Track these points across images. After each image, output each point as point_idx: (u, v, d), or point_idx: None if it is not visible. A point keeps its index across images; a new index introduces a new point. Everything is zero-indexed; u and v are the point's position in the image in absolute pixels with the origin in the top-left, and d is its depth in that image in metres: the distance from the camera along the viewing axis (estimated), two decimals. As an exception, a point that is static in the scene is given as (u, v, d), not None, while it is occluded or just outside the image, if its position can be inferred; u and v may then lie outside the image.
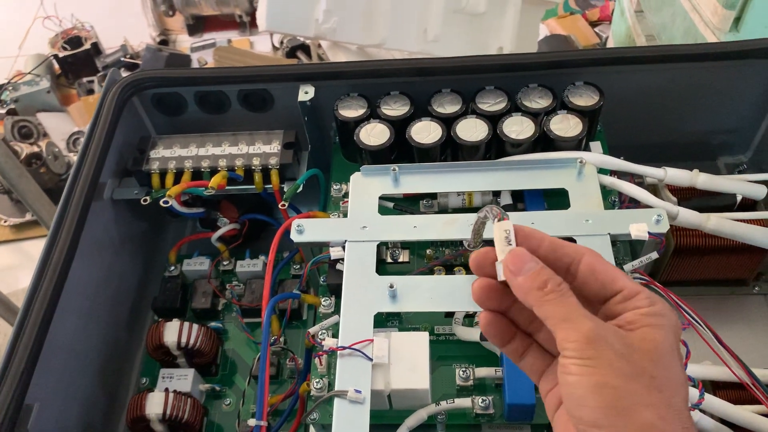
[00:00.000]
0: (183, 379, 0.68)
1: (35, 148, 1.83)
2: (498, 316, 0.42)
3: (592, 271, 0.39)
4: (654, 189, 0.71)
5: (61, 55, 2.19)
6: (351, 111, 0.72)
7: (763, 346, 0.72)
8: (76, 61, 2.20)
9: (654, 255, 0.61)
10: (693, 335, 0.56)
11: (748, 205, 0.72)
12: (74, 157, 1.87)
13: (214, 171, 0.73)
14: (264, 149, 0.74)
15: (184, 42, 2.38)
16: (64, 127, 2.02)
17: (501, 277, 0.40)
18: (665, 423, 0.34)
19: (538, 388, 0.42)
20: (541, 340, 0.42)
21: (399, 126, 0.70)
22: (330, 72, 0.74)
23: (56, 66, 2.25)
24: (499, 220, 0.41)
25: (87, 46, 2.20)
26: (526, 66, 0.72)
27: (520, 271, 0.38)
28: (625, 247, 0.67)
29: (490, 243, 0.41)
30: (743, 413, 0.57)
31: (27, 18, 2.54)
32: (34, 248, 1.86)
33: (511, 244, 0.40)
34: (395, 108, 0.72)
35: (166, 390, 0.66)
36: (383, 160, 0.70)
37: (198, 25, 2.40)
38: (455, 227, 0.62)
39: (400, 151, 0.71)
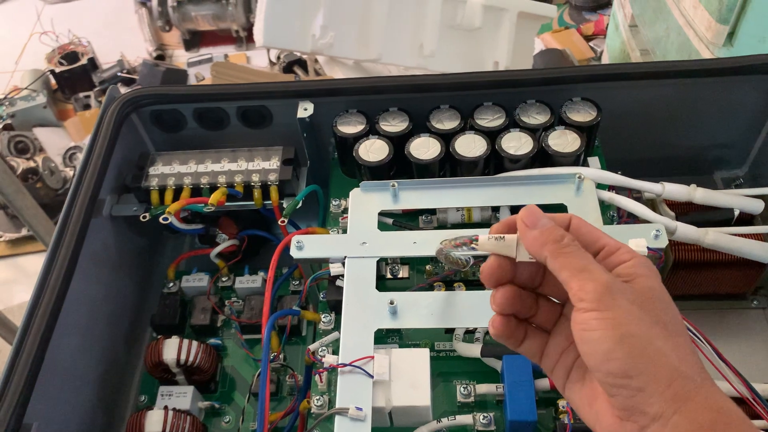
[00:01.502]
0: (182, 396, 0.68)
1: (31, 163, 1.82)
2: (510, 318, 0.42)
3: (579, 233, 0.40)
4: (652, 204, 0.71)
5: (57, 70, 2.19)
6: (350, 127, 0.73)
7: (763, 361, 0.72)
8: (72, 76, 2.20)
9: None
10: (693, 350, 0.56)
11: (746, 219, 0.72)
12: (70, 172, 1.87)
13: (213, 187, 0.73)
14: (263, 165, 0.74)
15: (180, 57, 2.38)
16: (60, 142, 2.02)
17: (521, 257, 0.40)
18: (688, 366, 0.34)
19: (542, 366, 0.43)
20: (537, 321, 0.43)
21: (398, 142, 0.71)
22: (329, 89, 0.75)
23: (53, 81, 2.25)
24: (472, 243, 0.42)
25: (83, 61, 2.20)
26: (524, 82, 0.72)
27: (535, 225, 0.39)
28: (623, 262, 0.67)
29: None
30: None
31: (24, 33, 2.55)
32: (30, 264, 1.86)
33: (502, 237, 0.41)
34: (394, 124, 0.72)
35: (166, 408, 0.65)
36: (382, 176, 0.70)
37: (195, 40, 2.41)
38: (455, 243, 0.62)
39: (399, 167, 0.71)
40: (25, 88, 2.15)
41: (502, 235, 0.41)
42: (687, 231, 0.66)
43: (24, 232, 1.82)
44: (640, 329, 0.34)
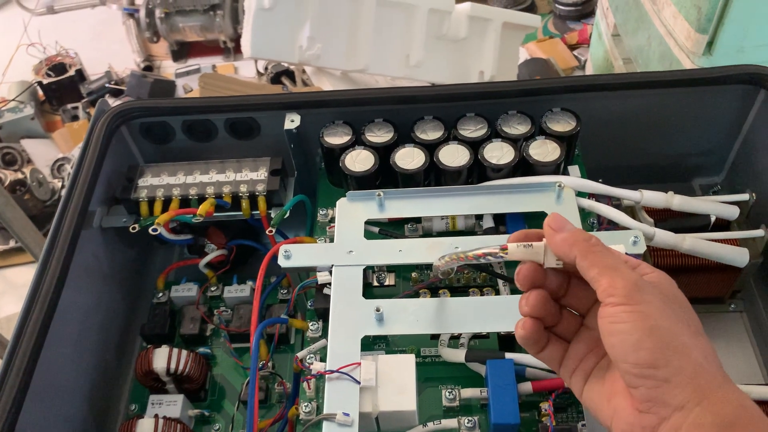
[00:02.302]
0: (172, 404, 0.68)
1: (19, 175, 1.82)
2: (538, 322, 0.44)
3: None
4: (631, 211, 0.73)
5: (45, 81, 2.19)
6: (336, 138, 0.74)
7: (741, 363, 0.74)
8: (60, 87, 2.20)
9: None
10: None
11: (722, 225, 0.74)
12: (59, 184, 1.87)
13: (202, 198, 0.74)
14: (251, 176, 0.75)
15: (168, 68, 2.39)
16: (48, 154, 2.01)
17: (549, 263, 0.43)
18: (710, 363, 0.36)
19: (560, 374, 0.44)
20: (558, 331, 0.45)
21: (383, 152, 0.72)
22: (315, 101, 0.76)
23: (40, 93, 2.25)
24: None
25: (71, 72, 2.20)
26: (505, 93, 0.74)
27: (562, 228, 0.41)
28: (604, 268, 0.69)
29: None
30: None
31: (11, 45, 2.54)
32: (17, 276, 1.85)
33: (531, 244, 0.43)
34: (379, 135, 0.74)
35: (156, 416, 0.66)
36: (368, 186, 0.71)
37: (182, 51, 2.41)
38: (439, 251, 0.63)
39: (385, 176, 0.73)
40: (13, 100, 2.15)
41: (530, 243, 0.43)
42: (665, 237, 0.67)
43: (12, 243, 1.82)
44: (668, 323, 0.36)
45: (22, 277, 1.85)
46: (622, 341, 0.36)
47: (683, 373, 0.35)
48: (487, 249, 0.45)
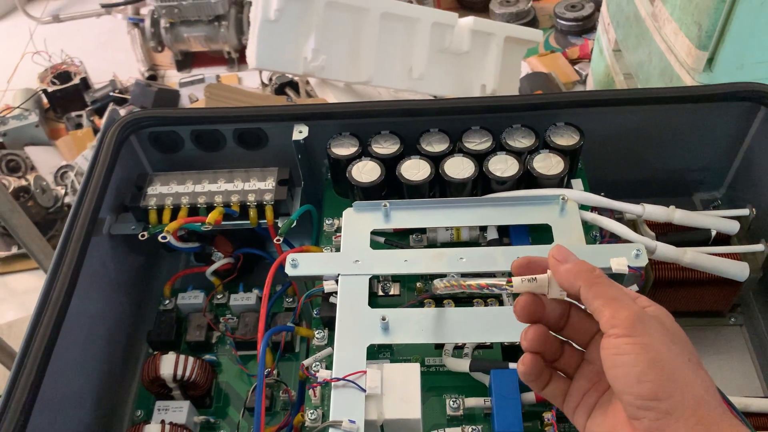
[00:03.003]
0: (178, 411, 0.69)
1: (23, 182, 1.83)
2: (538, 357, 0.45)
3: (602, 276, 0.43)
4: (633, 224, 0.74)
5: (50, 89, 2.20)
6: (343, 149, 0.75)
7: (740, 375, 0.75)
8: (64, 95, 2.21)
9: (634, 288, 0.64)
10: (672, 365, 0.58)
11: (723, 239, 0.75)
12: (62, 191, 1.88)
13: (210, 207, 0.75)
14: (259, 186, 0.76)
15: (172, 77, 2.40)
16: (51, 161, 2.03)
17: (553, 294, 0.44)
18: (711, 397, 0.36)
19: (563, 410, 0.45)
20: (560, 366, 0.45)
21: (389, 164, 0.73)
22: (323, 112, 0.77)
23: (45, 100, 2.26)
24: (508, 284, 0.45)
25: (76, 80, 2.22)
26: (510, 107, 0.75)
27: (567, 259, 0.42)
28: (606, 281, 0.70)
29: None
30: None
31: (16, 53, 2.56)
32: (18, 282, 1.85)
33: (534, 278, 0.44)
34: (385, 146, 0.75)
35: (162, 422, 0.67)
36: (374, 196, 0.72)
37: (186, 60, 2.43)
38: (443, 261, 0.64)
39: (391, 187, 0.74)
40: (17, 107, 2.16)
41: (534, 276, 0.44)
42: (666, 251, 0.68)
43: (14, 250, 1.82)
44: (670, 356, 0.37)
45: (23, 283, 1.85)
46: (625, 373, 0.37)
47: (685, 406, 0.35)
48: (491, 281, 0.46)
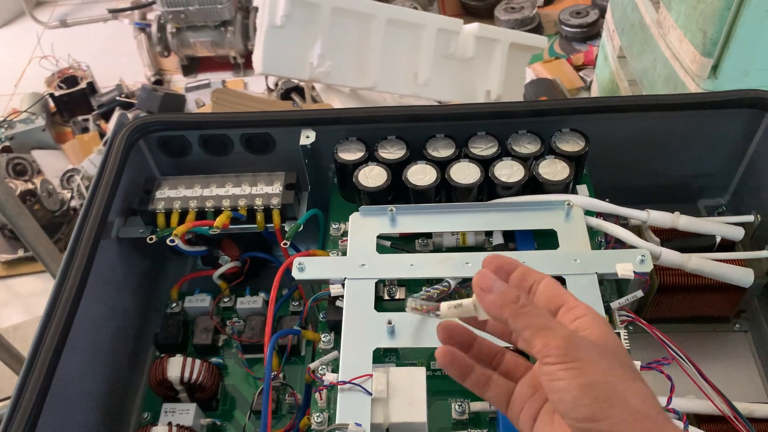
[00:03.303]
0: (185, 413, 0.70)
1: (30, 185, 1.84)
2: (455, 349, 0.46)
3: (548, 291, 0.43)
4: (638, 230, 0.74)
5: (56, 93, 2.21)
6: (350, 154, 0.76)
7: (744, 381, 0.75)
8: (71, 99, 2.22)
9: (639, 293, 0.64)
10: (677, 370, 0.58)
11: (727, 245, 0.75)
12: (68, 195, 1.89)
13: (218, 211, 0.75)
14: (266, 190, 0.77)
15: (178, 82, 2.42)
16: (58, 165, 2.04)
17: (482, 316, 0.44)
18: (648, 405, 0.37)
19: (507, 415, 0.45)
20: (502, 371, 0.46)
21: (395, 168, 0.74)
22: (330, 117, 0.78)
23: (51, 104, 2.28)
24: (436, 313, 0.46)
25: (83, 85, 2.23)
26: (516, 113, 0.76)
27: (491, 288, 0.42)
28: (611, 286, 0.70)
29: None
30: (726, 445, 0.60)
31: (24, 57, 2.58)
32: (23, 286, 1.86)
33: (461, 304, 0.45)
34: (392, 151, 0.76)
35: (169, 424, 0.67)
36: (380, 201, 0.73)
37: (193, 65, 2.44)
38: (449, 265, 0.65)
39: (397, 192, 0.74)
40: (24, 111, 2.17)
41: (459, 302, 0.44)
42: (671, 256, 0.69)
43: (20, 253, 1.83)
44: (603, 376, 0.37)
45: (27, 287, 1.86)
46: (561, 398, 0.38)
47: (623, 422, 0.36)
48: (428, 306, 0.47)
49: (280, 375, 0.72)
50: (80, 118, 2.21)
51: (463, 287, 0.67)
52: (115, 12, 2.65)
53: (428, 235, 0.73)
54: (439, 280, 0.70)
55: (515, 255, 0.66)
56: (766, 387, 0.74)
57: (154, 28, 2.35)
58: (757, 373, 0.76)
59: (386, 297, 0.70)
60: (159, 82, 2.38)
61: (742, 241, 0.74)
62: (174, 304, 0.80)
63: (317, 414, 0.60)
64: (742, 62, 1.20)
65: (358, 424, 0.54)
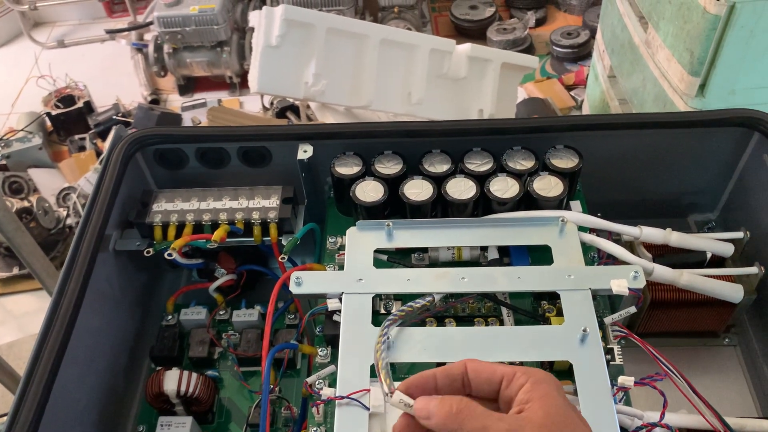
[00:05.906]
0: (181, 426, 0.69)
1: (26, 203, 1.84)
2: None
3: (477, 372, 0.44)
4: (630, 246, 0.75)
5: (53, 113, 2.22)
6: (347, 169, 0.77)
7: (735, 395, 0.75)
8: (68, 118, 2.23)
9: (632, 309, 0.64)
10: (669, 385, 0.59)
11: (718, 261, 0.76)
12: (64, 212, 1.89)
13: (215, 224, 0.76)
14: (263, 203, 0.77)
15: (175, 101, 2.43)
16: (54, 183, 2.04)
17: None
18: None
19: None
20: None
21: (392, 183, 0.75)
22: (327, 132, 0.79)
23: (48, 123, 2.28)
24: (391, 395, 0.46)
25: (79, 104, 2.24)
26: (511, 130, 0.77)
27: (430, 414, 0.43)
28: (604, 301, 0.71)
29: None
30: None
31: (21, 77, 2.59)
32: (16, 304, 1.85)
33: (410, 404, 0.45)
34: (389, 167, 0.77)
35: (165, 437, 0.67)
36: (377, 216, 0.74)
37: (189, 85, 2.46)
38: (446, 281, 0.65)
39: (393, 207, 0.75)
40: (21, 130, 2.18)
41: (410, 403, 0.45)
42: (663, 272, 0.69)
43: (15, 271, 1.83)
44: None
45: (23, 305, 1.85)
46: None
47: None
48: (385, 373, 0.51)
49: (277, 388, 0.73)
50: (77, 137, 2.22)
51: (449, 304, 0.68)
52: (113, 32, 2.68)
53: (424, 250, 0.73)
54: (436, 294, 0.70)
55: (511, 270, 0.66)
56: (755, 401, 0.75)
57: (151, 49, 2.37)
58: (747, 388, 0.76)
59: (383, 311, 0.70)
60: (155, 102, 2.40)
61: (732, 257, 0.75)
62: (170, 317, 0.81)
63: (314, 428, 0.61)
64: (728, 81, 1.22)
65: (355, 438, 0.54)
